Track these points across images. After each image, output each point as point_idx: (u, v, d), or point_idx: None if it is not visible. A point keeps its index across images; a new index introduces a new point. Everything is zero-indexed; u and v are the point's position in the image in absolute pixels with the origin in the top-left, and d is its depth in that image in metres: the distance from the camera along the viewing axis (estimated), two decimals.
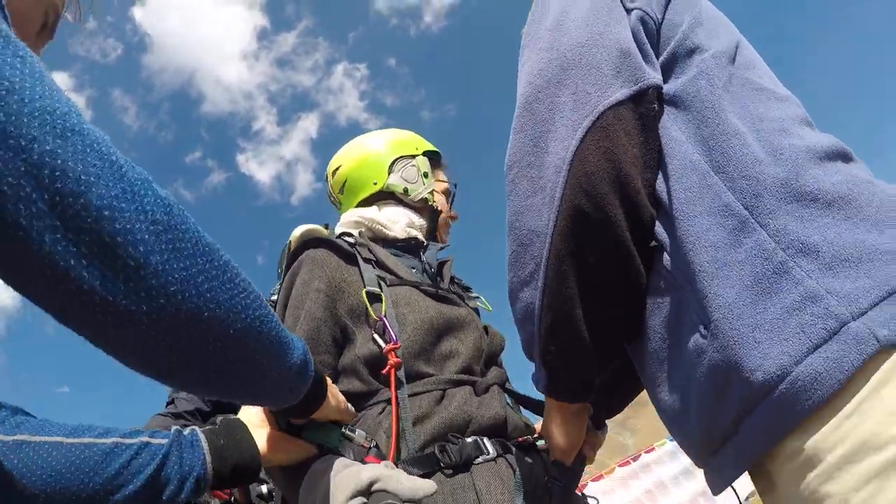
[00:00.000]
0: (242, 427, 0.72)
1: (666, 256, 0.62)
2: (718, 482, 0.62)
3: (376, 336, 0.89)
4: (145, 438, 0.63)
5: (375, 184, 1.22)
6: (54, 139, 0.36)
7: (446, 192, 1.29)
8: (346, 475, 0.67)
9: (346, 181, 1.26)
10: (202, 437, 0.67)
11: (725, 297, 0.54)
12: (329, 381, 0.75)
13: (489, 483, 0.80)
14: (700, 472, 0.61)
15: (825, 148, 0.59)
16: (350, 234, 1.11)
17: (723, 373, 0.54)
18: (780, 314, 0.51)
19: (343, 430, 0.79)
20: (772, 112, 0.62)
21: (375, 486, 0.65)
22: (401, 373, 0.86)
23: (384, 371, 0.86)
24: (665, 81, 0.66)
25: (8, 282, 0.38)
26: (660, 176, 0.64)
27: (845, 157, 0.61)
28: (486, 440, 0.85)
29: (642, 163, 0.62)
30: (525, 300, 0.68)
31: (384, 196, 1.22)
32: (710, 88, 0.62)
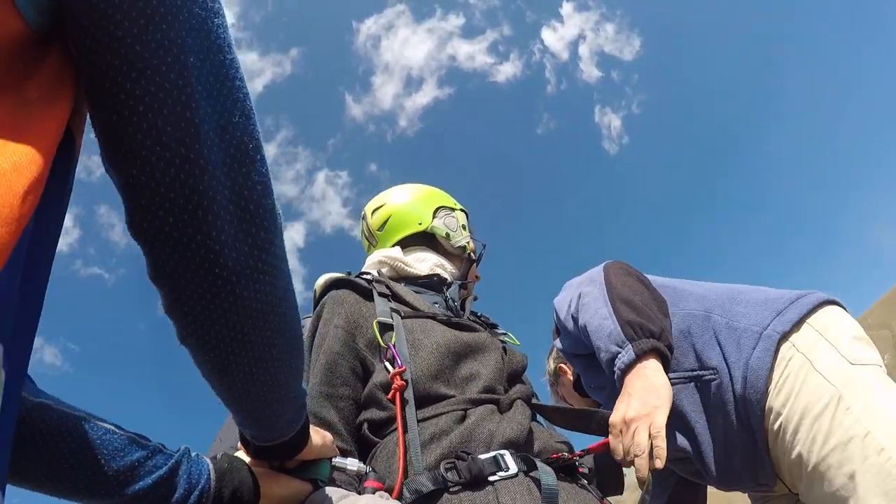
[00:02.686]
0: (241, 460, 0.71)
1: None
2: None
3: (387, 363, 0.91)
4: (158, 444, 0.64)
5: (420, 224, 1.29)
6: (241, 116, 0.43)
7: (474, 251, 1.36)
8: None
9: (388, 218, 1.32)
10: (206, 458, 0.68)
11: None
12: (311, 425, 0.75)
13: (515, 500, 0.75)
14: None
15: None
16: (369, 274, 1.15)
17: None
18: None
19: (332, 462, 0.78)
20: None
21: None
22: (408, 394, 0.86)
23: (389, 396, 0.87)
24: None
25: (159, 182, 0.39)
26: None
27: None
28: (507, 456, 0.80)
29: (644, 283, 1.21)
30: (598, 319, 1.08)
31: (421, 240, 1.29)
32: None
